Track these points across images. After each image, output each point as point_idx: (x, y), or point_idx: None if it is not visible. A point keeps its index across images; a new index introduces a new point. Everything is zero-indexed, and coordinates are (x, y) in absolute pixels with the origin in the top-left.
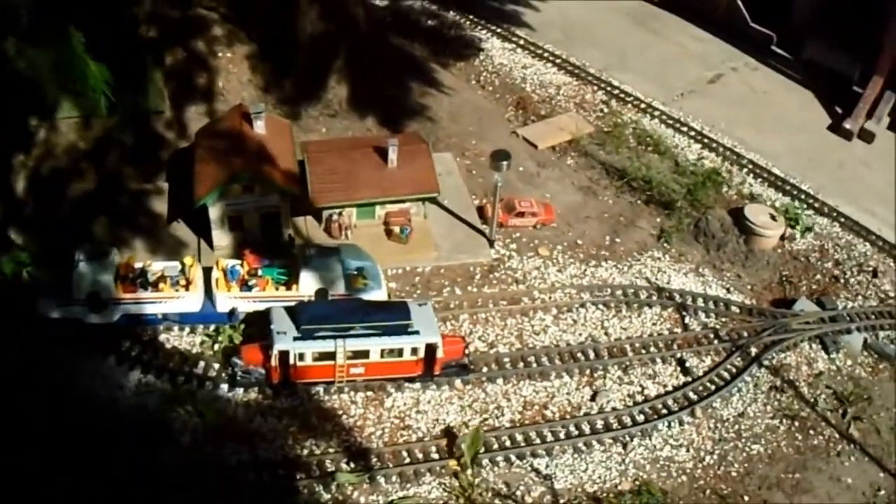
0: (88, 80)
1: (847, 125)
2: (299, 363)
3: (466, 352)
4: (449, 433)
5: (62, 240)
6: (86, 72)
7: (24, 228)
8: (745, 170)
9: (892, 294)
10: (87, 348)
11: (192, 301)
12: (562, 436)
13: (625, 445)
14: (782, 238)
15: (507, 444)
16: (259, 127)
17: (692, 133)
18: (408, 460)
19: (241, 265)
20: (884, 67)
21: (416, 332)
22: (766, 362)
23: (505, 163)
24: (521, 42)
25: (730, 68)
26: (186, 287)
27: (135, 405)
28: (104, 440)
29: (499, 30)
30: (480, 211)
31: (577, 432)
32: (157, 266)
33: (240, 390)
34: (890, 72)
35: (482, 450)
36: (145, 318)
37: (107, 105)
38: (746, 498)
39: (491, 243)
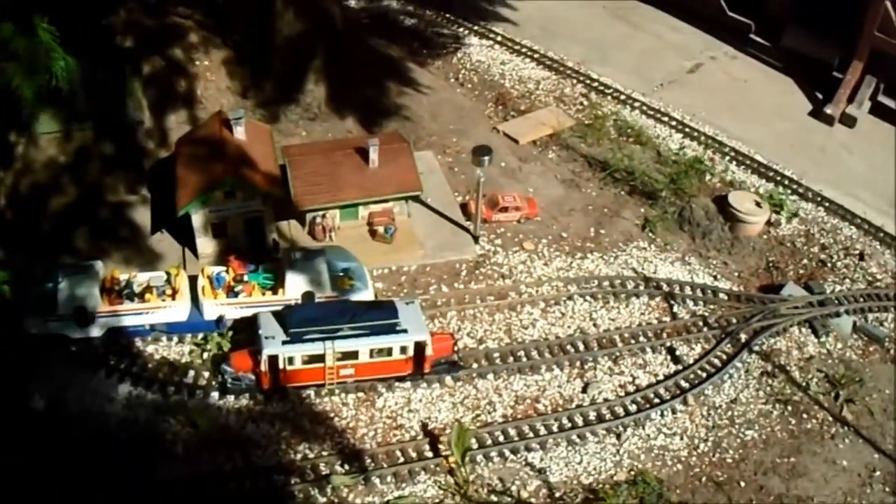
0: (58, 73)
1: (828, 110)
2: (289, 367)
3: (455, 349)
4: (430, 433)
5: (45, 255)
6: (56, 65)
7: (3, 245)
8: (728, 157)
9: (879, 276)
10: (76, 363)
11: (178, 310)
12: (555, 429)
13: (619, 436)
14: (768, 224)
15: (501, 439)
16: (239, 133)
17: (673, 123)
18: (402, 460)
19: (227, 272)
20: (863, 52)
21: (405, 331)
22: (756, 348)
23: (486, 158)
24: (499, 38)
25: (709, 57)
26: (173, 297)
27: (125, 418)
28: (97, 454)
29: (476, 27)
30: (464, 208)
31: (570, 425)
32: (142, 277)
33: (230, 397)
34: (869, 56)
35: (475, 446)
36: (133, 330)
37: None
38: (742, 484)
39: (476, 239)
